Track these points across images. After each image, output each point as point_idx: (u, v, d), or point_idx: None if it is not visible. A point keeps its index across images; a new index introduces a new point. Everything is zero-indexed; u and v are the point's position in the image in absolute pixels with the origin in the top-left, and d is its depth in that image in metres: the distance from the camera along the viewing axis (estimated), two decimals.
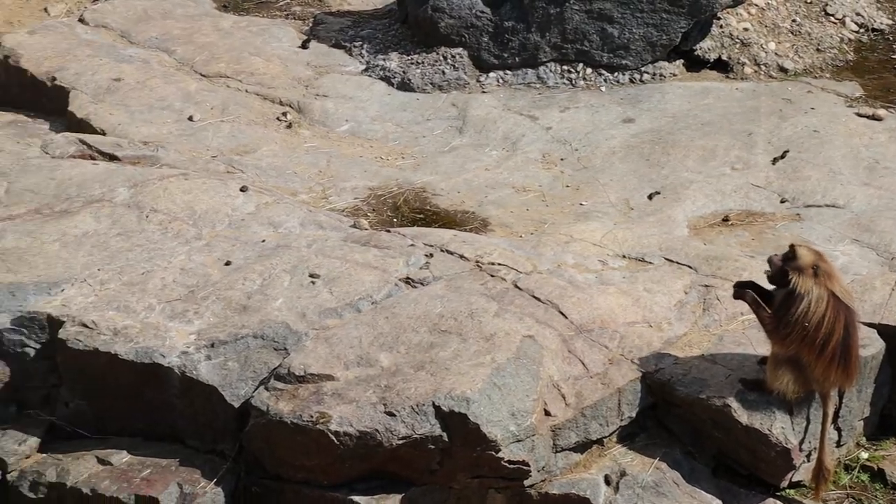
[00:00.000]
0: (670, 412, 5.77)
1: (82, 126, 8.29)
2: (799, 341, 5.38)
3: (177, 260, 6.43)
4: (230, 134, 8.21)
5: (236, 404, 5.63)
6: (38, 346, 6.00)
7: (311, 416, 5.38)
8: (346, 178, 7.72)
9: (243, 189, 7.08)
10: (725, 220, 7.15)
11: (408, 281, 6.24)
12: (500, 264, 6.36)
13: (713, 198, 7.35)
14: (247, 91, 8.81)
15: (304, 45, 9.52)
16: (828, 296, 5.35)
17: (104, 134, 8.13)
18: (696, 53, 9.07)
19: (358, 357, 5.66)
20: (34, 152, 7.88)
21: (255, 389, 5.62)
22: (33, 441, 5.87)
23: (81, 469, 5.68)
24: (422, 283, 6.20)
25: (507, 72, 9.06)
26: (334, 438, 5.36)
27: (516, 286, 6.16)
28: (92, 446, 5.84)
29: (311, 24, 9.97)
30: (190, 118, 8.38)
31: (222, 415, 5.67)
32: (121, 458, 5.71)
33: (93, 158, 7.68)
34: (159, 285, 6.22)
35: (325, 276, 6.20)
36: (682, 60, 9.06)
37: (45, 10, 10.94)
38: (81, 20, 9.92)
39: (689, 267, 6.52)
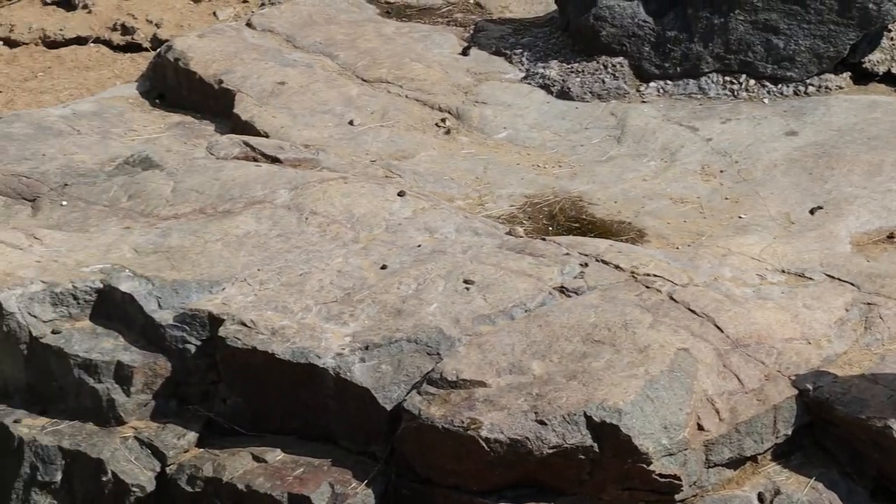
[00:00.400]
0: (828, 431, 5.64)
1: (246, 128, 8.45)
2: None
3: (334, 262, 6.51)
4: (389, 139, 8.28)
5: (389, 407, 5.67)
6: (198, 343, 6.13)
7: (463, 422, 5.40)
8: (502, 185, 7.73)
9: (401, 194, 7.13)
10: (891, 237, 6.97)
11: (562, 290, 6.22)
12: (655, 276, 6.30)
13: (878, 214, 7.16)
14: (406, 97, 8.88)
15: (465, 52, 9.55)
16: None
17: (267, 136, 8.27)
18: (863, 66, 8.86)
19: (510, 364, 5.66)
20: (200, 153, 8.07)
21: (408, 393, 5.65)
22: (192, 436, 6.00)
23: (237, 465, 5.78)
24: (576, 293, 6.17)
25: (668, 82, 8.98)
26: (485, 445, 5.36)
27: (672, 298, 6.09)
28: (247, 443, 5.94)
29: (472, 31, 10.01)
30: (350, 122, 8.48)
31: (375, 417, 5.71)
32: (275, 456, 5.80)
33: (255, 160, 7.83)
34: (316, 287, 6.30)
35: (479, 283, 6.22)
36: (848, 73, 8.85)
37: (214, 14, 11.20)
38: (249, 24, 10.11)
39: (851, 284, 6.37)
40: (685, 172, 7.84)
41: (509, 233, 6.89)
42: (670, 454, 5.31)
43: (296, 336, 5.94)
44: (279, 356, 5.86)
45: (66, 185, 7.68)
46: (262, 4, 11.17)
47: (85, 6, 11.35)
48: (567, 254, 6.50)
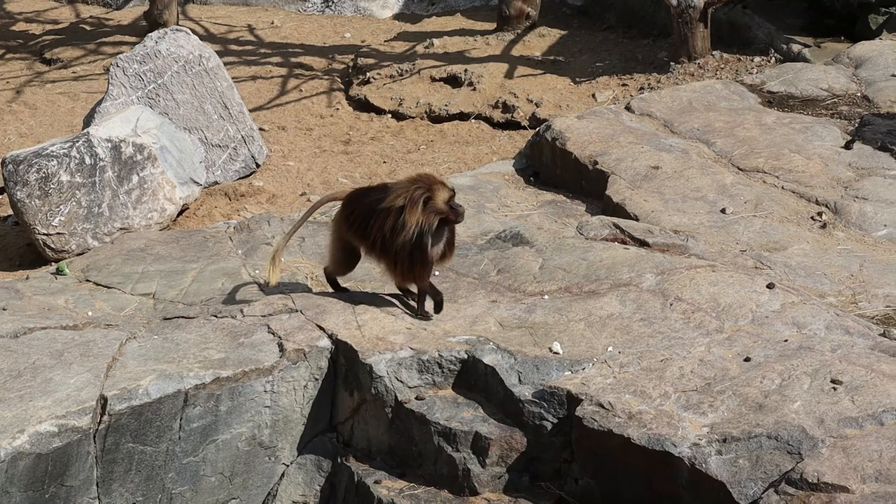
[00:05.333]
0: None
1: (617, 210, 8.51)
2: None
3: (696, 350, 6.42)
4: (761, 230, 8.13)
5: (743, 503, 5.52)
6: (555, 421, 6.17)
7: None
8: (878, 284, 7.44)
9: (770, 286, 6.98)
10: None
11: None
12: None
13: None
14: (782, 188, 8.71)
15: (848, 146, 9.29)
16: None
17: (637, 219, 8.29)
18: None
19: (876, 472, 5.40)
20: (570, 232, 8.17)
21: (765, 491, 5.49)
22: None
23: None
24: None
25: None
26: None
27: None
28: None
29: (856, 125, 9.73)
30: (722, 211, 8.39)
31: None
32: None
33: (624, 243, 7.85)
34: (677, 374, 6.23)
35: (847, 384, 5.98)
36: None
37: (593, 96, 11.36)
38: (628, 108, 10.20)
39: None
40: None
41: (884, 334, 6.60)
42: None
43: (653, 422, 5.89)
44: (634, 441, 5.82)
45: None
46: (642, 89, 11.24)
47: (471, 83, 11.76)
48: None
